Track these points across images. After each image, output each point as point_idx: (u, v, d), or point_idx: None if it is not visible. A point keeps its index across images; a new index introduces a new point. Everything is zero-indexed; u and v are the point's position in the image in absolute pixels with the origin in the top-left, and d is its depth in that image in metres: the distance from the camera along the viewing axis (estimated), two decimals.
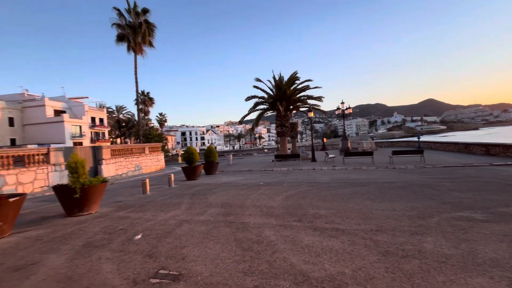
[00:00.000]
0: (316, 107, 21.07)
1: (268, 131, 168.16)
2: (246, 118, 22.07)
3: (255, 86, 21.57)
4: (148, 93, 49.06)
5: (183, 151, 64.14)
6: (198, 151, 17.19)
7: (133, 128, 55.22)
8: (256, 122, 21.70)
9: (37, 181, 12.16)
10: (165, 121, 70.95)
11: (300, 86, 21.49)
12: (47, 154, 12.89)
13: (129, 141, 61.45)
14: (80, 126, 43.51)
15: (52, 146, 23.54)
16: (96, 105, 52.56)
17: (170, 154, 63.90)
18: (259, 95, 21.91)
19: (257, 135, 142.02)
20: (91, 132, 46.03)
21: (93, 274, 3.22)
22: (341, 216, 5.12)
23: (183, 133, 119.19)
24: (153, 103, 49.30)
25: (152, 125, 61.96)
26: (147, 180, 9.43)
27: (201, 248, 3.88)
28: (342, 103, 24.33)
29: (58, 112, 42.21)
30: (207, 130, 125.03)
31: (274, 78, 21.92)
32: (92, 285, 2.97)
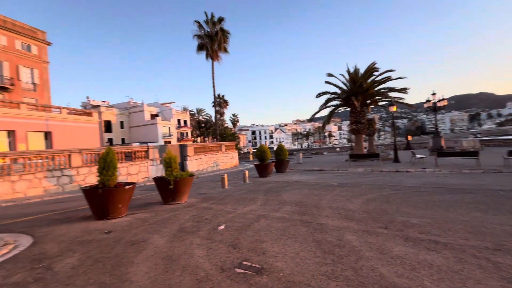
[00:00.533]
0: (399, 101, 18.58)
1: (339, 128, 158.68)
2: (316, 116, 21.32)
3: (327, 82, 20.63)
4: (223, 96, 53.35)
5: (254, 149, 67.11)
6: (268, 147, 17.58)
7: (210, 128, 61.08)
8: (328, 119, 20.74)
9: (140, 172, 14.82)
10: (237, 121, 75.72)
11: (379, 78, 19.40)
12: (147, 151, 15.56)
13: (207, 140, 68.19)
14: (169, 127, 50.84)
15: (149, 144, 28.35)
16: (181, 108, 60.43)
17: (242, 152, 67.72)
18: (331, 91, 20.85)
19: (326, 133, 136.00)
20: (177, 132, 53.23)
21: (187, 256, 3.67)
22: (440, 227, 4.33)
23: (253, 132, 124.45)
24: (227, 104, 53.29)
25: (226, 125, 67.12)
26: (226, 176, 10.22)
27: (280, 245, 3.92)
28: (433, 94, 20.70)
29: (153, 116, 50.49)
30: (275, 129, 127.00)
31: (348, 71, 20.46)
32: (187, 265, 3.38)
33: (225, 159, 22.12)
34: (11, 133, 18.81)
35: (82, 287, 2.95)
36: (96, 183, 6.13)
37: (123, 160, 13.87)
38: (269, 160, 13.54)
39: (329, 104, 20.91)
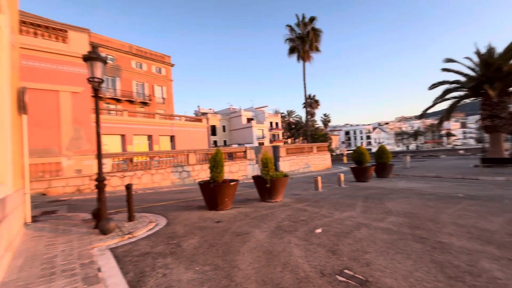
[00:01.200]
0: None
1: (463, 126, 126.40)
2: (430, 111, 17.81)
3: (445, 70, 16.94)
4: (314, 96, 52.37)
5: (348, 151, 62.59)
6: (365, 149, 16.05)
7: (300, 129, 61.11)
8: (447, 114, 17.01)
9: (240, 171, 16.43)
10: (329, 121, 72.56)
11: None
12: (245, 152, 17.10)
13: (297, 141, 68.40)
14: (262, 130, 54.12)
15: (246, 145, 30.98)
16: (273, 111, 63.15)
17: (335, 153, 64.22)
18: (451, 80, 16.97)
19: (443, 132, 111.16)
20: (269, 134, 56.02)
21: (286, 254, 3.79)
22: None
23: (347, 133, 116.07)
24: (318, 105, 51.94)
25: (317, 126, 65.46)
26: (319, 178, 9.97)
27: (388, 259, 3.49)
28: None
29: (248, 120, 55.04)
30: (374, 128, 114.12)
31: (478, 52, 16.14)
32: (287, 263, 3.49)
33: (317, 161, 21.61)
34: (149, 137, 24.68)
35: (202, 265, 3.53)
36: (208, 179, 7.22)
37: (226, 159, 15.77)
38: (367, 163, 12.30)
39: (448, 96, 17.10)
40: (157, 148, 24.39)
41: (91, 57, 4.93)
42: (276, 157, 18.93)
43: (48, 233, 4.96)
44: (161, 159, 13.85)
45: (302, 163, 20.28)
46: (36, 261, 3.62)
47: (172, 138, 26.43)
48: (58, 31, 11.04)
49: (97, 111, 5.05)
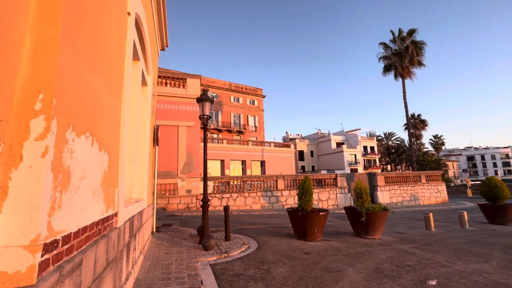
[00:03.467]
0: None
1: None
2: None
3: None
4: (419, 115, 45.12)
5: (474, 181, 49.14)
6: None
7: (403, 154, 52.99)
8: None
9: (329, 199, 15.52)
10: (442, 144, 60.10)
11: None
12: (335, 179, 16.15)
13: (399, 168, 59.44)
14: (355, 155, 50.03)
15: (337, 172, 29.17)
16: (367, 134, 57.96)
17: (453, 184, 52.02)
18: None
19: None
20: (363, 159, 51.09)
21: None
22: None
23: (470, 158, 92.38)
24: (425, 125, 44.26)
25: (425, 150, 55.28)
26: (431, 215, 8.22)
27: None
28: None
29: (338, 144, 52.32)
30: None
31: None
32: None
33: (427, 193, 17.97)
34: (243, 162, 27.02)
35: None
36: (296, 206, 7.18)
37: (314, 186, 15.30)
38: (506, 200, 9.29)
39: None
40: (249, 173, 26.33)
41: (202, 99, 6.07)
42: (373, 187, 16.97)
43: (166, 242, 6.05)
44: (253, 183, 14.81)
45: (406, 194, 17.31)
46: (158, 265, 4.46)
47: (262, 163, 28.04)
48: (180, 80, 14.21)
49: (205, 141, 6.05)
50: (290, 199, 14.86)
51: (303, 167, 50.82)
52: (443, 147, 64.64)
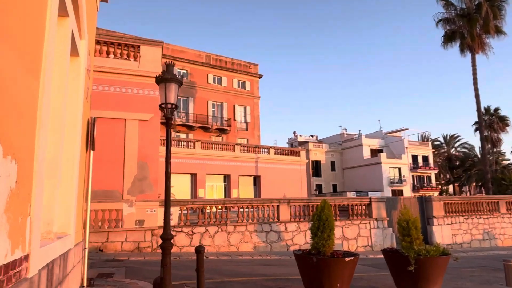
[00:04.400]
0: None
1: None
2: None
3: None
4: (496, 110, 46.19)
5: None
6: None
7: (473, 169, 53.92)
8: None
9: (360, 237, 15.62)
10: None
11: None
12: (369, 205, 16.30)
13: (466, 189, 60.48)
14: (399, 168, 50.72)
15: (371, 195, 29.41)
16: (418, 138, 58.80)
17: None
18: None
19: None
20: (412, 176, 51.81)
21: None
22: None
23: None
24: (506, 125, 45.35)
25: (506, 162, 56.41)
26: None
27: None
28: None
29: (374, 152, 52.95)
30: None
31: None
32: None
33: (509, 229, 18.32)
34: (226, 178, 27.04)
35: None
36: (309, 248, 7.21)
37: (336, 217, 15.41)
38: None
39: None
40: (236, 194, 26.35)
41: (165, 79, 6.08)
42: (427, 219, 17.22)
43: None
44: (242, 210, 14.83)
45: (477, 231, 17.63)
46: None
47: (256, 179, 28.12)
48: (130, 48, 14.20)
49: (167, 144, 6.05)
50: (299, 237, 14.87)
51: (319, 187, 51.27)
52: None
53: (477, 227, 17.78)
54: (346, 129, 62.21)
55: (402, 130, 57.20)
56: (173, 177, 25.14)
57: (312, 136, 63.13)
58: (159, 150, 14.53)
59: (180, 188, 24.43)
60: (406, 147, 52.57)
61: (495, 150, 48.63)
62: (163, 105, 6.14)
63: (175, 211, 13.78)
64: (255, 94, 36.58)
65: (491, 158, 45.83)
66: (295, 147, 50.01)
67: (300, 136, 61.84)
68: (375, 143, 54.13)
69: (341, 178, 54.44)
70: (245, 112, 35.63)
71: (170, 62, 6.47)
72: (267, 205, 15.23)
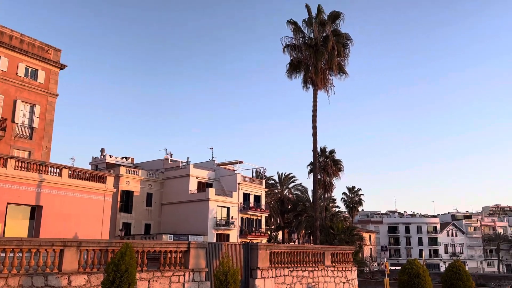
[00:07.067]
0: None
1: None
2: None
3: None
4: (331, 152, 54.25)
5: (393, 266, 61.99)
6: (424, 265, 16.55)
7: (304, 215, 61.34)
8: None
9: None
10: (359, 203, 74.14)
11: None
12: (186, 252, 16.43)
13: (295, 236, 68.09)
14: (228, 208, 53.69)
15: (192, 239, 29.98)
16: (252, 173, 63.80)
17: (367, 269, 63.77)
18: None
19: None
20: (241, 217, 55.45)
21: None
22: None
23: (393, 228, 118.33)
24: (339, 169, 53.51)
25: (336, 209, 66.27)
26: None
27: None
28: None
29: (202, 185, 54.79)
30: (445, 224, 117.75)
31: None
32: None
33: (331, 283, 21.11)
34: None
35: None
36: None
37: (144, 267, 14.95)
38: None
39: None
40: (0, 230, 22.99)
41: None
42: (251, 270, 18.29)
43: None
44: (3, 255, 12.92)
45: (301, 285, 19.64)
46: None
47: (35, 210, 25.28)
48: None
49: None
50: None
51: (127, 226, 49.49)
52: (360, 208, 79.65)
53: (301, 280, 19.68)
54: (171, 154, 62.86)
55: (236, 162, 61.13)
56: None
57: (126, 158, 61.29)
58: None
59: None
60: (239, 183, 56.13)
61: (326, 195, 56.63)
62: None
63: None
64: (51, 91, 33.46)
65: (322, 204, 53.27)
66: (101, 170, 47.54)
67: (110, 156, 59.26)
68: (205, 175, 56.10)
69: (158, 216, 54.04)
70: (32, 112, 32.02)
71: None
72: (46, 249, 13.66)
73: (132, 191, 51.31)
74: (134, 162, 61.48)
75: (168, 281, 15.59)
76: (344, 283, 21.76)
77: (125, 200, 50.50)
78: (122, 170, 50.73)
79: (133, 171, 52.84)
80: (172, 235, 44.65)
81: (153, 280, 15.22)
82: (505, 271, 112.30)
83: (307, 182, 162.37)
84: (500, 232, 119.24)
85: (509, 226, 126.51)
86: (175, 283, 15.72)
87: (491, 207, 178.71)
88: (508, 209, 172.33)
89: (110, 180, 30.19)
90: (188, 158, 60.92)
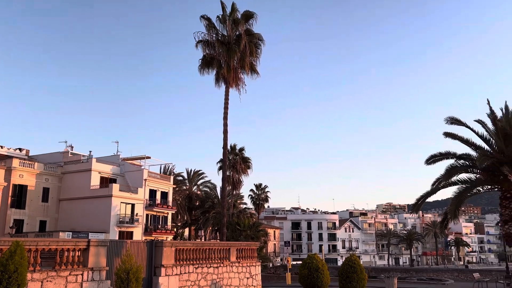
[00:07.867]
0: None
1: (479, 229, 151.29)
2: (430, 199, 20.93)
3: (448, 134, 20.71)
4: (241, 149, 55.01)
5: (295, 260, 64.45)
6: (324, 260, 17.42)
7: (211, 211, 61.56)
8: (454, 208, 20.05)
9: None
10: (266, 200, 75.98)
11: None
12: (86, 250, 15.73)
13: (202, 233, 68.07)
14: (133, 205, 52.28)
15: (92, 236, 28.72)
16: (160, 169, 62.66)
17: (270, 264, 65.61)
18: (458, 153, 20.71)
19: (451, 236, 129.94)
20: (146, 215, 54.30)
21: None
22: None
23: (296, 225, 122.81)
24: (248, 167, 54.42)
25: (243, 206, 67.29)
26: None
27: None
28: None
29: (106, 181, 52.74)
30: (343, 221, 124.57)
31: (492, 116, 20.42)
32: None
33: (236, 280, 21.50)
34: None
35: None
36: None
37: (36, 267, 14.06)
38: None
39: (455, 178, 20.52)
40: None
41: None
42: (154, 268, 18.07)
43: None
44: None
45: (205, 282, 19.76)
46: None
47: None
48: None
49: None
50: None
51: (19, 223, 46.22)
52: (266, 205, 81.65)
53: (206, 277, 19.83)
54: (72, 147, 59.69)
55: (143, 158, 59.75)
56: None
57: (20, 149, 56.94)
58: None
59: None
60: (145, 179, 54.96)
61: (235, 192, 57.40)
62: None
63: None
64: None
65: (230, 200, 53.91)
66: None
67: (2, 147, 54.66)
68: (108, 170, 54.03)
69: (56, 212, 51.12)
70: None
71: None
72: None
73: (26, 186, 47.92)
74: (30, 154, 57.42)
75: (64, 281, 14.82)
76: (248, 278, 22.22)
77: (18, 195, 47.06)
78: (15, 163, 47.08)
79: (27, 164, 49.29)
80: (71, 233, 42.56)
81: (47, 281, 14.37)
82: (394, 264, 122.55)
83: (217, 179, 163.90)
84: (391, 228, 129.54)
85: (399, 222, 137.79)
86: (72, 283, 14.99)
87: (384, 205, 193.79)
88: (398, 207, 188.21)
89: (0, 173, 27.91)
90: (90, 151, 58.36)
